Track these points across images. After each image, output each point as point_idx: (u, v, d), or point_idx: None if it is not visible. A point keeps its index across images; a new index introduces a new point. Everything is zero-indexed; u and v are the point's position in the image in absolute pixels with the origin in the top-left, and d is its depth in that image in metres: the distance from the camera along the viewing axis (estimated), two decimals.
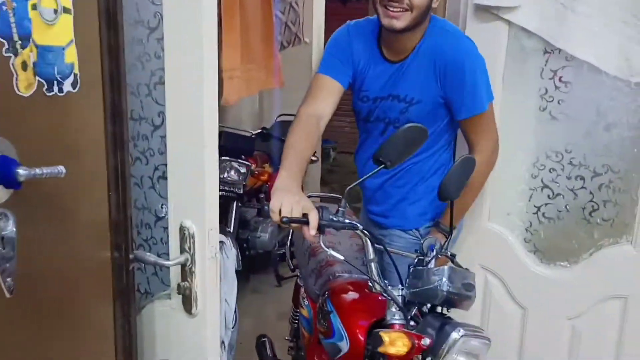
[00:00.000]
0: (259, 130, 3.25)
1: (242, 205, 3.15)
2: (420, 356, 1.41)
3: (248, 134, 3.27)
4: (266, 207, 3.35)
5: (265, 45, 3.58)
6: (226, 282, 1.44)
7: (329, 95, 1.82)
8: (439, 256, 1.50)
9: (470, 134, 1.79)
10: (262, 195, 3.36)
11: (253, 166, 3.13)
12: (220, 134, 3.00)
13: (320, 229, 1.43)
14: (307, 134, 1.73)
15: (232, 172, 2.97)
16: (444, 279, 1.37)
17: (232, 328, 1.48)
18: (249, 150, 3.06)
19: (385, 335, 1.35)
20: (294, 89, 4.43)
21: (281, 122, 4.09)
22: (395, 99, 1.77)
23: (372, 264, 1.49)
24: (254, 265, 3.50)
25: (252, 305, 3.25)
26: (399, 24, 1.65)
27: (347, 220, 1.46)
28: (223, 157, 2.95)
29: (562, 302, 1.97)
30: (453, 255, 1.52)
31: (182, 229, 1.31)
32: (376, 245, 1.50)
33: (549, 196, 1.92)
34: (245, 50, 3.39)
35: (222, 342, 1.49)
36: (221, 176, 2.96)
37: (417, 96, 1.74)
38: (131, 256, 1.27)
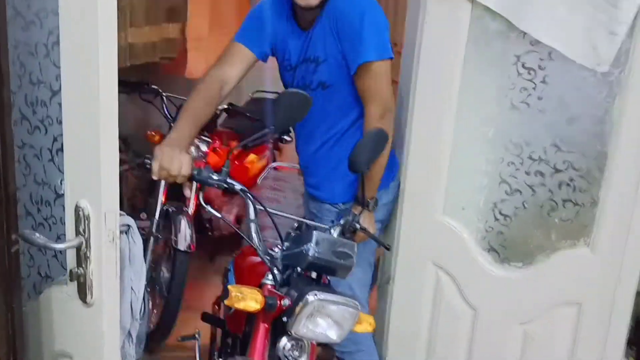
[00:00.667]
0: (225, 106, 3.09)
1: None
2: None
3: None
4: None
5: (241, 10, 3.42)
6: (133, 270, 1.31)
7: (239, 62, 1.83)
8: (357, 230, 1.60)
9: (361, 95, 1.78)
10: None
11: (216, 143, 2.99)
12: (179, 107, 2.85)
13: (199, 183, 1.55)
14: (206, 97, 1.75)
15: (192, 149, 2.82)
16: (311, 245, 1.37)
17: (141, 319, 1.35)
18: (210, 126, 2.90)
19: (234, 290, 1.34)
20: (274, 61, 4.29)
21: (256, 100, 3.94)
22: (306, 62, 1.82)
23: (252, 225, 1.50)
24: (219, 246, 3.38)
25: (213, 285, 3.13)
26: (314, 1, 1.71)
27: (228, 180, 1.51)
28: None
29: (515, 305, 1.85)
30: (362, 229, 1.60)
31: (77, 209, 1.17)
32: (258, 206, 1.53)
33: (506, 192, 1.78)
34: (216, 17, 3.23)
35: (129, 334, 1.37)
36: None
37: (322, 55, 1.78)
38: (14, 237, 1.14)
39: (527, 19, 1.57)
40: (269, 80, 4.30)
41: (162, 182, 2.75)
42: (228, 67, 1.82)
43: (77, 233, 1.18)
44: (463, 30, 1.70)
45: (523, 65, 1.66)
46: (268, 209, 1.56)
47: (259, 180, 3.25)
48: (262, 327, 1.41)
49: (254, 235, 1.49)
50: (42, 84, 1.22)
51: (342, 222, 1.60)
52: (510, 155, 1.75)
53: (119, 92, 2.72)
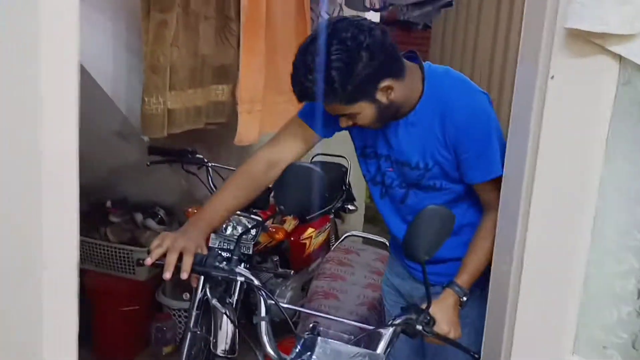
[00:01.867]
0: None
1: (251, 268, 2.57)
2: None
3: None
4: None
5: None
6: None
7: (298, 142, 1.62)
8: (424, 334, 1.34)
9: (483, 194, 1.57)
10: (276, 259, 2.76)
11: (268, 222, 2.56)
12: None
13: (199, 274, 1.47)
14: (245, 180, 1.60)
15: (239, 229, 2.40)
16: (313, 356, 1.22)
17: None
18: (262, 200, 2.48)
19: None
20: None
21: (316, 164, 3.52)
22: (403, 166, 1.57)
23: (262, 323, 1.36)
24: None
25: None
26: (374, 127, 1.53)
27: (237, 270, 1.44)
28: None
29: None
30: (432, 332, 1.35)
31: None
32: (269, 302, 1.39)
33: None
34: (272, 78, 2.86)
35: None
36: (225, 233, 2.40)
37: (431, 162, 1.54)
38: None
39: None
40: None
41: None
42: (282, 147, 1.61)
43: None
44: (607, 97, 1.20)
45: None
46: (314, 312, 1.50)
47: (334, 246, 2.92)
48: None
49: (264, 336, 1.34)
50: None
51: (399, 320, 1.33)
52: None
53: (159, 162, 2.28)
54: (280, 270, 2.70)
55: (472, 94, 1.53)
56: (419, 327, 1.34)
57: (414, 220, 1.30)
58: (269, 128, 2.78)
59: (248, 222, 2.42)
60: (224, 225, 2.40)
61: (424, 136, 1.53)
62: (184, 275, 1.38)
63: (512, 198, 1.38)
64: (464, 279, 1.52)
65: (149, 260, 1.40)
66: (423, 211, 1.31)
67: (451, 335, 1.45)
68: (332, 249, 2.80)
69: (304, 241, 3.05)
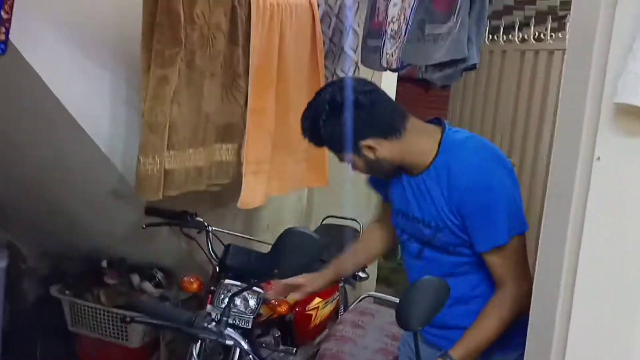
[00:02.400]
0: None
1: (252, 342, 2.35)
2: None
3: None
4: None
5: None
6: None
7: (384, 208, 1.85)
8: None
9: (491, 267, 1.54)
10: (277, 334, 2.53)
11: (269, 293, 2.35)
12: (227, 248, 2.25)
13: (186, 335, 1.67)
14: (361, 244, 1.99)
15: (238, 302, 2.19)
16: None
17: None
18: (263, 272, 2.26)
19: None
20: (342, 186, 3.68)
21: (326, 227, 3.32)
22: (417, 222, 1.60)
23: None
24: None
25: None
26: (384, 178, 1.67)
27: (226, 332, 1.58)
28: (226, 282, 2.19)
29: None
30: None
31: None
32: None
33: None
34: (282, 138, 2.70)
35: None
36: (221, 305, 2.19)
37: (441, 223, 1.54)
38: None
39: None
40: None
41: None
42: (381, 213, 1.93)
43: None
44: None
45: None
46: None
47: (351, 307, 2.81)
48: None
49: None
50: None
51: None
52: None
53: (156, 224, 2.13)
54: (282, 347, 2.46)
55: (480, 161, 1.51)
56: None
57: (408, 290, 1.32)
58: (277, 191, 2.61)
59: (247, 294, 2.21)
60: (221, 297, 2.20)
61: (435, 197, 1.54)
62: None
63: (547, 292, 1.17)
64: (459, 352, 1.48)
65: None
66: (418, 281, 1.32)
67: None
68: (349, 309, 2.69)
69: (310, 312, 2.82)
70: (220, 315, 1.68)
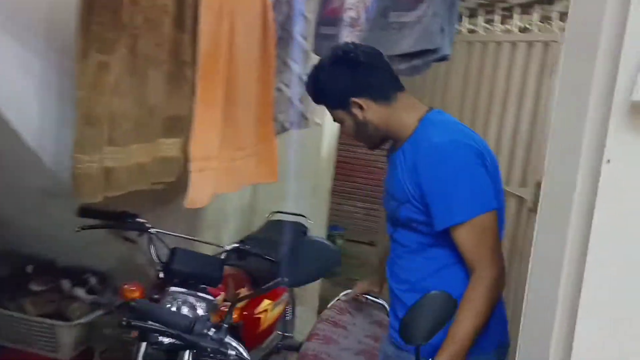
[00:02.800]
0: (235, 245, 2.31)
1: (199, 354, 2.18)
2: None
3: (220, 249, 2.33)
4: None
5: (260, 126, 2.71)
6: None
7: None
8: None
9: (461, 250, 1.54)
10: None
11: (219, 298, 2.18)
12: (173, 251, 2.07)
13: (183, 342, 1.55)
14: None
15: (186, 310, 2.02)
16: None
17: None
18: (213, 277, 2.09)
19: None
20: (287, 181, 3.54)
21: (273, 223, 3.17)
22: (388, 194, 1.70)
23: None
24: None
25: None
26: (369, 147, 1.75)
27: (226, 340, 1.56)
28: (172, 289, 2.01)
29: None
30: None
31: None
32: None
33: None
34: (230, 132, 2.52)
35: None
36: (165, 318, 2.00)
37: (403, 196, 1.60)
38: None
39: None
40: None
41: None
42: None
43: None
44: None
45: None
46: None
47: (330, 305, 2.46)
48: None
49: None
50: None
51: None
52: None
53: (90, 227, 2.01)
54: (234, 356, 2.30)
55: (447, 140, 1.53)
56: None
57: (415, 304, 1.33)
58: (226, 188, 2.44)
59: (196, 301, 2.04)
60: (167, 305, 2.01)
61: (403, 170, 1.60)
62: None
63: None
64: (450, 350, 1.47)
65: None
66: (424, 296, 1.34)
67: None
68: (328, 307, 2.44)
69: (258, 315, 2.67)
70: (221, 322, 1.66)
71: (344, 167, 6.05)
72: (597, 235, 1.02)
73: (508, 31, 3.50)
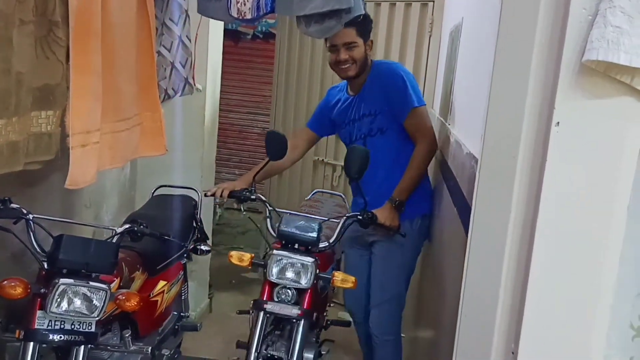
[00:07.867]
0: (127, 226, 2.09)
1: (96, 348, 1.97)
2: None
3: (110, 231, 2.10)
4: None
5: (143, 93, 2.47)
6: None
7: (306, 140, 2.99)
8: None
9: (412, 136, 2.62)
10: (127, 334, 2.15)
11: (113, 285, 1.98)
12: (59, 239, 1.82)
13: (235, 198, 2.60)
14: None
15: (78, 303, 1.80)
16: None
17: None
18: (108, 263, 1.87)
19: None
20: (179, 149, 3.33)
21: (160, 197, 2.96)
22: (363, 117, 2.67)
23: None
24: None
25: None
26: (351, 73, 2.61)
27: (252, 196, 2.53)
28: (61, 281, 1.77)
29: None
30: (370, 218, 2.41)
31: None
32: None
33: None
34: (112, 102, 2.26)
35: None
36: (57, 311, 1.78)
37: (376, 109, 2.64)
38: None
39: None
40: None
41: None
42: (297, 140, 2.95)
43: None
44: (630, 144, 0.94)
45: None
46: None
47: (307, 198, 3.36)
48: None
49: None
50: None
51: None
52: None
53: None
54: (133, 347, 2.12)
55: (395, 66, 2.74)
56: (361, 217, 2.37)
57: (346, 155, 2.27)
58: (110, 164, 2.19)
59: (89, 291, 1.82)
60: (57, 299, 1.78)
61: (373, 93, 2.62)
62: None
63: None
64: (398, 191, 2.57)
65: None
66: (349, 149, 2.35)
67: (388, 224, 2.48)
68: (305, 199, 3.35)
69: (155, 299, 2.49)
70: (249, 191, 2.59)
71: (218, 134, 5.85)
72: (546, 202, 1.00)
73: None
